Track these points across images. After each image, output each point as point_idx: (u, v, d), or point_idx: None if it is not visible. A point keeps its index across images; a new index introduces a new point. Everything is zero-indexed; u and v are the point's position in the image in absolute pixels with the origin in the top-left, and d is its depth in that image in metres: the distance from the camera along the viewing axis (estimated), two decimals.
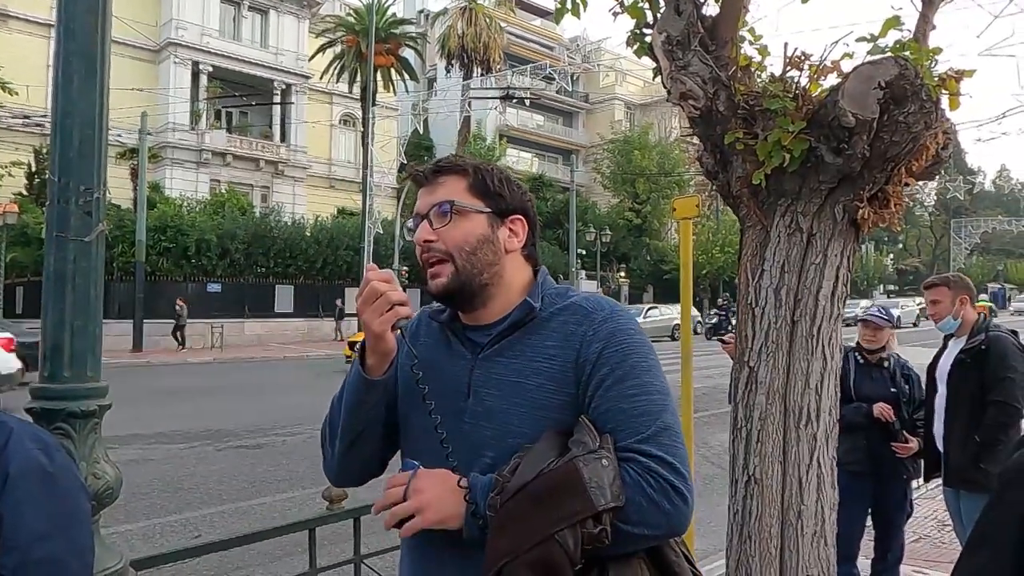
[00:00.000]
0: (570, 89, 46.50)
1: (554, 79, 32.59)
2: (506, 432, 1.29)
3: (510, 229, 1.40)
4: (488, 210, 1.38)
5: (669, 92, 2.45)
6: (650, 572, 1.23)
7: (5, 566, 1.07)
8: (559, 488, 1.15)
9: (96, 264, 1.87)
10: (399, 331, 1.34)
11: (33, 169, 26.96)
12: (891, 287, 58.88)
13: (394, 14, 34.60)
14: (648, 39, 2.54)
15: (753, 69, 2.52)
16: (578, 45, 41.06)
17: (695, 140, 2.63)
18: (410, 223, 1.43)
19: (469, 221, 1.36)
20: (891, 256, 66.07)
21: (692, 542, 3.48)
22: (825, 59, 2.37)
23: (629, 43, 2.64)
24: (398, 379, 1.42)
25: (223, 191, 32.30)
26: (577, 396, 1.29)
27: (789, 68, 2.41)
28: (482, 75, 37.49)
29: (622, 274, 39.02)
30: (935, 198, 66.55)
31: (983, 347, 3.66)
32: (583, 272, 35.11)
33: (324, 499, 2.52)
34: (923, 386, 4.13)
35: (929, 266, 62.20)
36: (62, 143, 1.83)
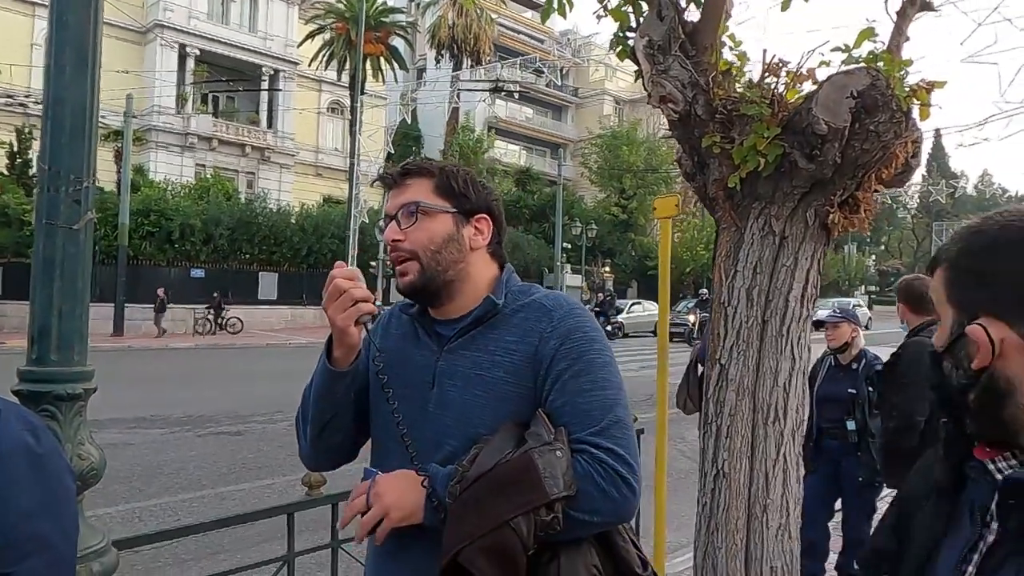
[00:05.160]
0: (559, 83, 46.41)
1: (544, 72, 32.49)
2: (467, 422, 1.36)
3: (475, 228, 1.46)
4: (453, 210, 1.44)
5: (650, 95, 2.51)
6: (599, 556, 1.32)
7: None
8: (515, 478, 1.23)
9: (84, 251, 1.91)
10: (363, 326, 1.40)
11: (15, 149, 26.51)
12: (872, 288, 59.43)
13: (384, 2, 34.47)
14: (631, 43, 2.60)
15: (732, 74, 2.58)
16: (568, 39, 40.92)
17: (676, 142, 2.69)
18: (381, 223, 1.50)
19: (435, 221, 1.43)
20: (873, 257, 66.67)
21: (665, 535, 3.56)
22: (802, 66, 2.44)
23: (612, 46, 2.69)
24: (368, 370, 1.49)
25: (208, 176, 32.06)
26: (535, 389, 1.36)
27: (767, 74, 2.47)
28: (472, 66, 37.38)
29: (607, 269, 39.10)
30: (918, 201, 67.13)
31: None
32: (568, 266, 35.16)
33: (303, 485, 2.57)
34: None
35: (911, 268, 62.80)
36: (53, 131, 1.86)
